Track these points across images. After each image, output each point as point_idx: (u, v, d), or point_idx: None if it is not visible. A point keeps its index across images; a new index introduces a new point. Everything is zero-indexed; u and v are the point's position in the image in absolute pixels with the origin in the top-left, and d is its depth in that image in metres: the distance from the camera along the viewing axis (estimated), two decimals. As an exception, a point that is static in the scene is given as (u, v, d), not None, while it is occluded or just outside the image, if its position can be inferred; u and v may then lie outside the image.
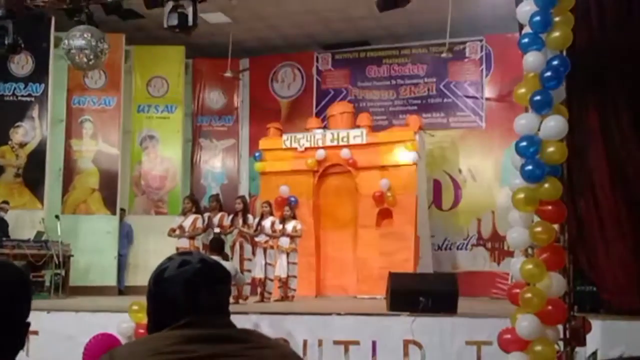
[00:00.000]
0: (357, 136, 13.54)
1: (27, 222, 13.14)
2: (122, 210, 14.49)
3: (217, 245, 8.06)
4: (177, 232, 11.08)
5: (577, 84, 6.53)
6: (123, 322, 7.86)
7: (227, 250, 10.82)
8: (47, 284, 11.88)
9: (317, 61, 15.83)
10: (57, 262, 11.87)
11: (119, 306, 8.82)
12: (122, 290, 14.01)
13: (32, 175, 13.60)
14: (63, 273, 12.13)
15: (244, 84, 16.12)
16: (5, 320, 1.77)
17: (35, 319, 1.89)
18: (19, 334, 1.82)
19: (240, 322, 6.82)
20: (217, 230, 11.21)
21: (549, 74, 5.80)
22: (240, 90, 16.12)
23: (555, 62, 5.83)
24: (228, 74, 14.81)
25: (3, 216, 12.71)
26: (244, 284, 9.91)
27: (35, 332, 7.81)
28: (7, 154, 13.69)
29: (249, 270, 11.15)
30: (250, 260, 11.26)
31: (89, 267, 13.65)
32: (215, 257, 7.44)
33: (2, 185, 13.57)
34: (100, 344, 8.56)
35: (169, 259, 1.92)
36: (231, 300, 8.89)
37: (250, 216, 11.60)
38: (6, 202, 12.89)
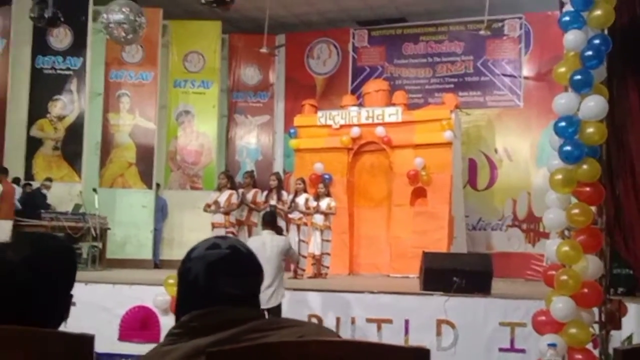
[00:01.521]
0: (393, 114, 13.48)
1: (65, 195, 13.36)
2: (157, 184, 14.63)
3: (270, 218, 8.05)
4: (213, 207, 11.15)
5: (618, 64, 6.40)
6: (159, 295, 7.99)
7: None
8: (85, 256, 12.08)
9: (353, 38, 15.75)
10: (94, 235, 12.06)
11: (155, 279, 8.95)
12: (157, 263, 14.20)
13: (70, 148, 13.80)
14: (100, 246, 12.33)
15: (279, 60, 16.11)
16: (52, 291, 1.82)
17: (73, 290, 1.92)
18: (65, 304, 1.87)
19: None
20: (252, 205, 11.29)
21: (589, 53, 5.70)
22: (276, 66, 16.12)
23: (596, 41, 5.73)
24: (264, 50, 14.80)
25: (44, 191, 12.92)
26: (297, 260, 9.97)
27: (73, 304, 7.96)
28: (45, 127, 13.90)
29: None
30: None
31: (126, 241, 13.86)
32: (269, 231, 7.66)
33: (40, 158, 13.80)
34: (137, 316, 8.71)
35: (207, 240, 1.87)
36: (290, 275, 8.83)
37: (284, 193, 11.64)
38: (49, 179, 13.09)
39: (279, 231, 8.36)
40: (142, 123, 14.52)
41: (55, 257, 1.85)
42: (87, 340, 1.73)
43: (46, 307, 1.81)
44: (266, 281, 7.04)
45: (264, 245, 7.39)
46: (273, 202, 11.33)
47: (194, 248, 1.84)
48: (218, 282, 1.76)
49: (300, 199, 11.57)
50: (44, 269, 1.80)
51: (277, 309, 7.32)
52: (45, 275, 1.80)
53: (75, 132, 13.85)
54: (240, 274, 1.80)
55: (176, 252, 13.72)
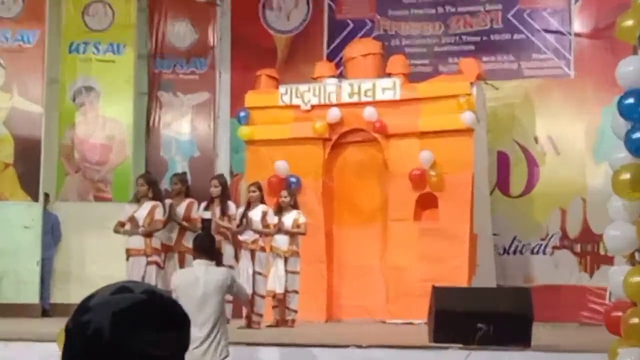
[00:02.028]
0: (388, 89, 13.50)
1: None
2: (46, 195, 14.51)
3: (204, 242, 8.07)
4: (128, 226, 11.10)
5: None
6: (49, 356, 7.91)
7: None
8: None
9: (330, -21, 15.78)
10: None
11: (43, 333, 8.85)
12: (46, 309, 14.07)
13: None
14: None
15: (223, 11, 16.07)
16: None
17: None
18: None
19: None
20: (184, 223, 11.26)
21: (668, -2, 5.75)
22: (218, 21, 16.07)
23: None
24: (200, -2, 14.77)
25: None
26: (247, 300, 9.98)
27: None
28: None
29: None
30: (232, 267, 11.28)
31: (0, 277, 13.71)
32: (203, 261, 7.66)
33: None
34: (16, 387, 8.62)
35: (112, 284, 1.86)
36: (240, 324, 8.82)
37: (231, 204, 11.63)
38: None
39: (218, 260, 8.38)
40: (23, 105, 14.40)
41: None
42: None
43: None
44: (200, 332, 7.09)
45: (196, 281, 7.41)
46: (215, 218, 11.30)
47: (93, 294, 1.83)
48: (130, 339, 1.74)
49: (255, 213, 11.56)
50: None
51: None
52: None
53: None
54: (160, 328, 1.78)
55: (74, 292, 13.57)
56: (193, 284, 7.24)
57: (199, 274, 7.62)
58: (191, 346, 1.89)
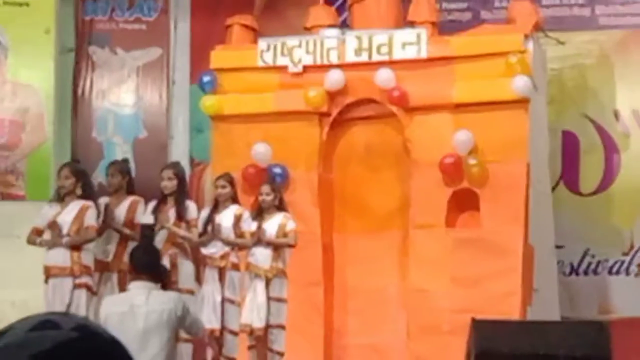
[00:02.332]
0: (410, 43, 13.52)
1: None
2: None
3: (145, 258, 8.13)
4: (47, 235, 11.13)
5: None
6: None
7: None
8: None
9: None
10: None
11: None
12: None
13: None
14: None
15: None
16: None
17: None
18: None
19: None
20: (126, 231, 11.32)
21: None
22: (172, -53, 16.14)
23: None
24: None
25: None
26: (204, 336, 10.03)
27: None
28: None
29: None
30: (190, 293, 11.31)
31: None
32: (144, 284, 7.69)
33: None
34: None
35: (32, 316, 1.85)
36: None
37: (191, 205, 11.67)
38: None
39: (164, 283, 8.41)
40: None
41: None
42: None
43: None
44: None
45: (132, 311, 7.44)
46: (167, 223, 11.33)
47: (4, 330, 1.83)
48: None
49: (225, 217, 11.62)
50: None
51: None
52: None
53: None
54: None
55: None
56: (129, 315, 7.25)
57: (138, 301, 7.64)
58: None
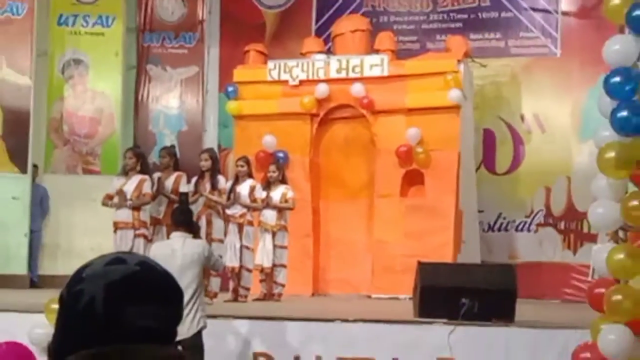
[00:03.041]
0: (375, 65, 13.49)
1: None
2: (35, 166, 14.48)
3: (182, 215, 8.15)
4: (116, 199, 11.08)
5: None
6: (37, 326, 7.92)
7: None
8: None
9: (319, -45, 15.73)
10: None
11: (31, 304, 8.87)
12: (35, 281, 14.06)
13: None
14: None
15: (212, -14, 16.04)
16: None
17: None
18: None
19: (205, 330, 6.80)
20: (173, 196, 11.27)
21: (655, -22, 5.76)
22: (207, -5, 16.04)
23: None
24: (190, -28, 14.71)
25: None
26: (219, 269, 10.00)
27: None
28: None
29: (220, 256, 11.21)
30: (221, 241, 11.29)
31: (-12, 248, 13.71)
32: (180, 233, 7.70)
33: None
34: (5, 356, 8.63)
35: (106, 254, 1.86)
36: (207, 300, 8.92)
37: (220, 178, 11.59)
38: None
39: (195, 233, 8.44)
40: (12, 77, 14.32)
41: None
42: None
43: None
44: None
45: (172, 253, 7.44)
46: (205, 192, 11.28)
47: (87, 264, 1.83)
48: (123, 311, 1.74)
49: (243, 188, 11.55)
50: None
51: (193, 341, 7.36)
52: None
53: None
54: (154, 301, 1.78)
55: (62, 264, 13.60)
56: (170, 256, 7.26)
57: (177, 246, 7.68)
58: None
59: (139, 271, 1.80)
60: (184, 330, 7.28)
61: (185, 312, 7.31)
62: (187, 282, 7.35)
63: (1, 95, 14.28)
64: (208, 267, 8.11)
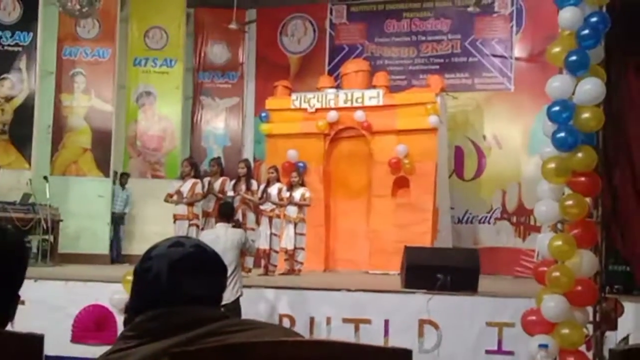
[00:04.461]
0: (373, 97, 13.49)
1: (13, 183, 13.20)
2: (115, 173, 14.50)
3: (226, 210, 8.17)
4: (175, 197, 11.12)
5: (616, 44, 6.46)
6: (116, 293, 7.94)
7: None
8: (34, 250, 11.94)
9: (331, 13, 15.71)
10: (45, 227, 11.92)
11: (112, 276, 8.90)
12: (115, 258, 14.10)
13: (19, 132, 13.63)
14: (51, 239, 12.21)
15: (250, 37, 16.03)
16: None
17: (21, 287, 1.89)
18: (11, 305, 1.84)
19: (243, 295, 6.80)
20: (219, 195, 11.30)
21: (586, 32, 5.74)
22: (246, 44, 16.04)
23: (593, 19, 5.77)
24: (233, 26, 14.71)
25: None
26: (253, 252, 10.03)
27: (22, 302, 7.90)
28: (-9, 108, 13.73)
29: (253, 241, 11.24)
30: (253, 230, 11.31)
31: (80, 233, 13.73)
32: (223, 224, 7.72)
33: (-14, 142, 13.63)
34: (92, 316, 8.66)
35: (169, 238, 1.91)
36: (243, 274, 8.94)
37: (254, 182, 11.62)
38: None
39: (236, 223, 8.46)
40: (99, 105, 14.38)
41: (5, 252, 1.82)
42: (35, 341, 1.70)
43: None
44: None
45: (217, 238, 7.46)
46: (242, 192, 11.29)
47: (154, 246, 1.86)
48: (181, 282, 1.78)
49: (273, 189, 11.56)
50: None
51: (234, 305, 7.39)
52: None
53: (24, 115, 13.68)
54: (205, 274, 1.83)
55: (136, 245, 13.64)
56: (215, 241, 7.27)
57: (220, 233, 7.69)
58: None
59: (193, 252, 1.83)
60: (227, 297, 7.29)
61: (228, 282, 7.34)
62: (229, 261, 7.36)
63: (90, 119, 14.36)
64: (244, 249, 8.11)
